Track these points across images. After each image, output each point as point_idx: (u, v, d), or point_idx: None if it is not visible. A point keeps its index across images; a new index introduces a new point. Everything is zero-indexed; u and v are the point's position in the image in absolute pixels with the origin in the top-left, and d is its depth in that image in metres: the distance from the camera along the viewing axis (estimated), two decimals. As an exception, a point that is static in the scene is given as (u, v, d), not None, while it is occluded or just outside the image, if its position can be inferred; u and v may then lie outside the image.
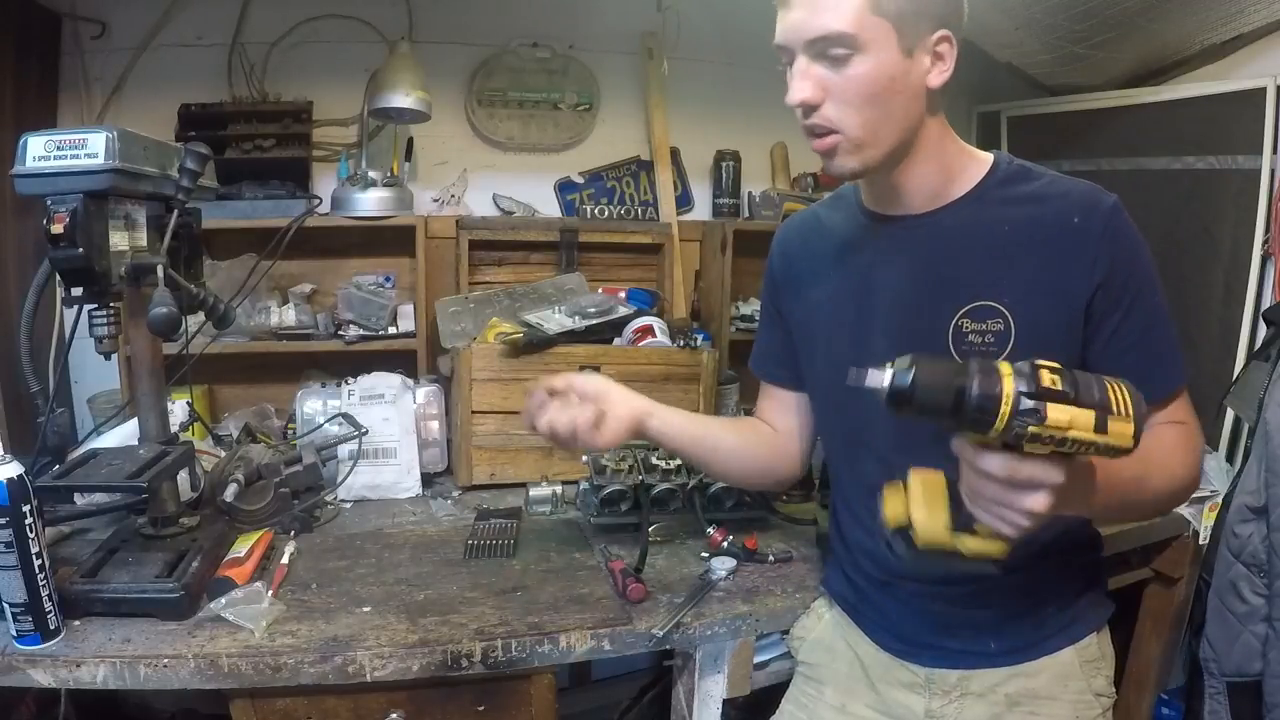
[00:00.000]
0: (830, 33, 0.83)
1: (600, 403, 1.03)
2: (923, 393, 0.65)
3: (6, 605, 0.97)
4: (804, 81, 0.86)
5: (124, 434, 1.40)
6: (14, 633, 0.97)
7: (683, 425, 1.10)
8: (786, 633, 1.20)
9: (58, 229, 0.96)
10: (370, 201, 1.83)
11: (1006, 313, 0.89)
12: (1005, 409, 0.62)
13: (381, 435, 1.59)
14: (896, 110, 0.87)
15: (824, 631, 1.13)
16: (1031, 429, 0.62)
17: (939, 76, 0.87)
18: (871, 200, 1.00)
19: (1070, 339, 0.90)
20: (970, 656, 0.97)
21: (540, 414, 1.04)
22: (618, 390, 1.05)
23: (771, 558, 1.32)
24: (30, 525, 0.96)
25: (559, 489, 1.56)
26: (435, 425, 1.67)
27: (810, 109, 0.87)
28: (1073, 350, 0.90)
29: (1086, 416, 0.63)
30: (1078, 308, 0.88)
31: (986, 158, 0.96)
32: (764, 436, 1.17)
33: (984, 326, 0.90)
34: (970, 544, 0.74)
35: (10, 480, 0.94)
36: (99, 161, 0.98)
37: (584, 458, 1.50)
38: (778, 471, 1.18)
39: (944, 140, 0.94)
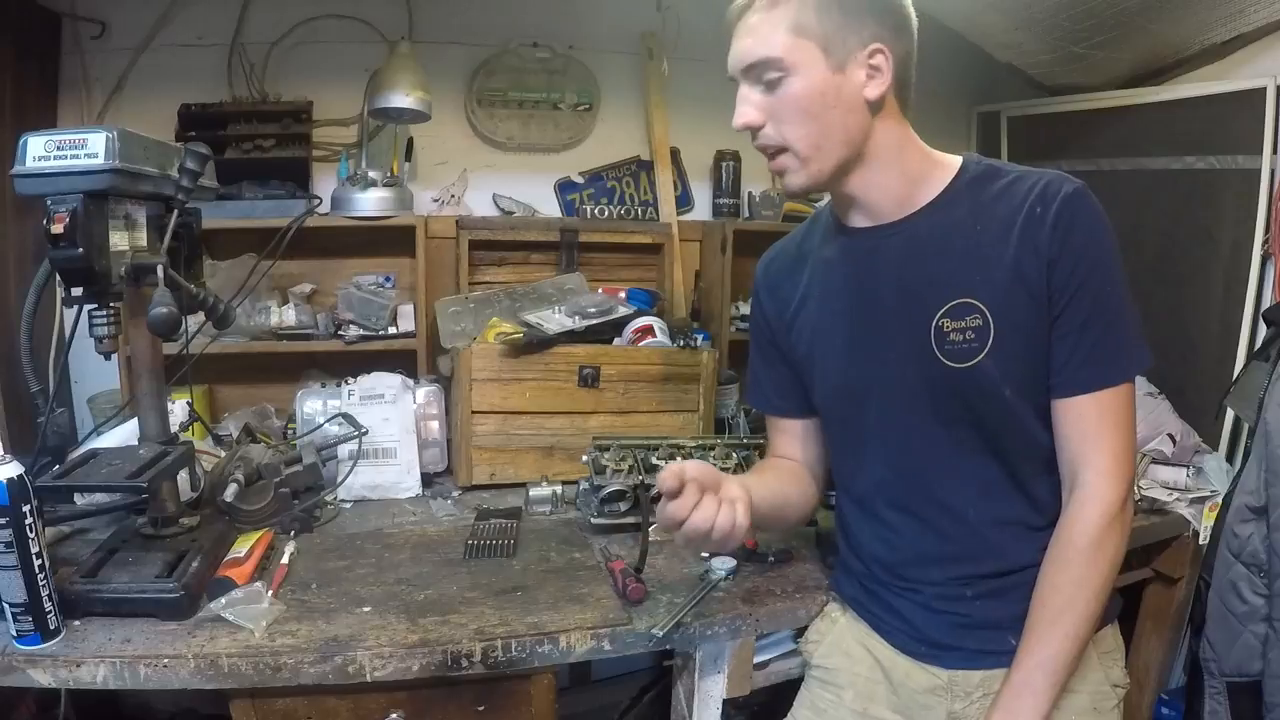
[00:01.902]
0: (760, 59, 0.90)
1: (716, 489, 0.94)
2: None
3: (6, 605, 0.97)
4: (745, 106, 0.93)
5: (124, 434, 1.40)
6: (14, 633, 0.97)
7: (765, 494, 1.05)
8: (798, 636, 1.20)
9: (58, 229, 0.96)
10: (370, 201, 1.83)
11: (984, 308, 0.91)
12: None
13: (381, 435, 1.59)
14: (835, 123, 0.91)
15: (839, 635, 1.13)
16: None
17: (876, 88, 0.91)
18: (844, 216, 1.03)
19: (1041, 329, 0.91)
20: (991, 656, 0.97)
21: (690, 516, 0.90)
22: (720, 474, 0.96)
23: (771, 558, 1.32)
24: (30, 525, 0.96)
25: (559, 489, 1.56)
26: (435, 425, 1.67)
27: (755, 130, 0.94)
28: (1047, 341, 0.91)
29: None
30: (1041, 295, 0.90)
31: (954, 161, 0.98)
32: (798, 475, 1.17)
33: (963, 324, 0.92)
34: None
35: (10, 480, 0.94)
36: (99, 161, 0.98)
37: (584, 457, 1.50)
38: (812, 505, 1.19)
39: (903, 148, 0.96)
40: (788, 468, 1.18)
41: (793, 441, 1.18)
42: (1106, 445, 0.91)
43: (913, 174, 0.96)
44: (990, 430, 0.95)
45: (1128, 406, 0.92)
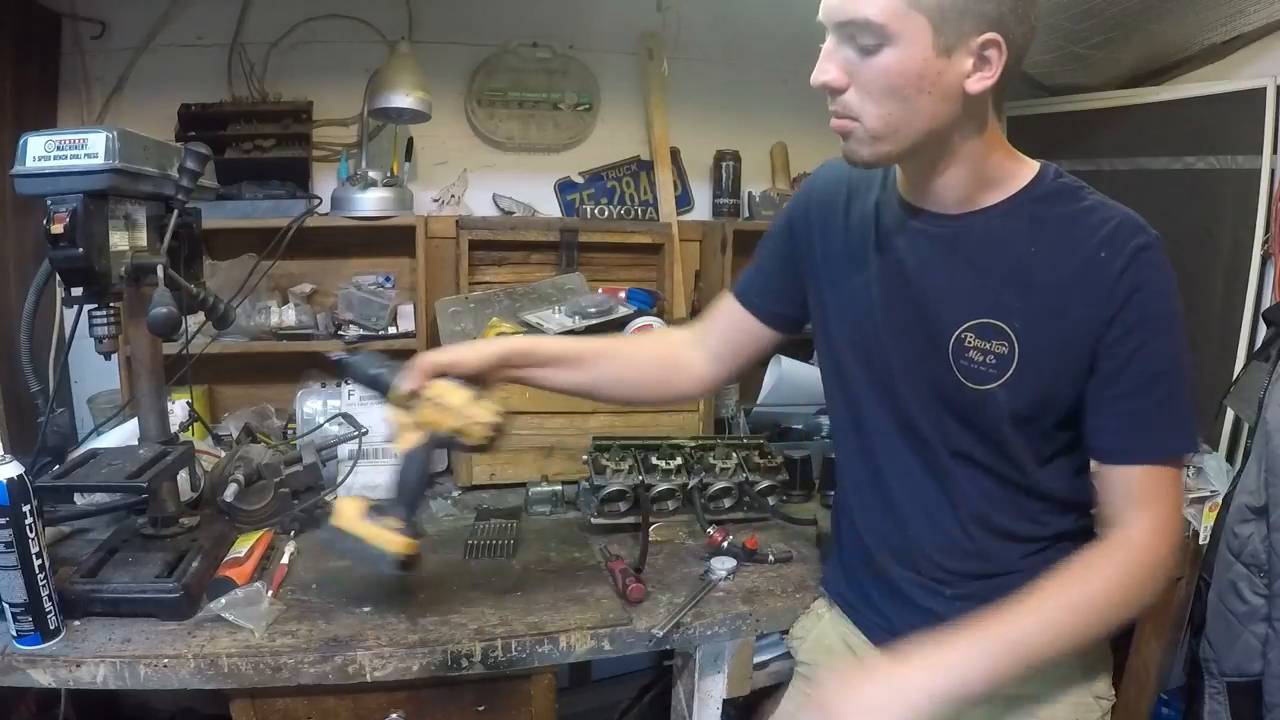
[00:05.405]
0: (860, 19, 0.78)
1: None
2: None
3: (6, 605, 0.97)
4: (828, 63, 0.83)
5: (124, 434, 1.40)
6: (14, 633, 0.97)
7: (561, 339, 1.05)
8: (786, 633, 1.20)
9: (58, 229, 0.96)
10: (370, 201, 1.83)
11: (1013, 336, 0.86)
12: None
13: (381, 435, 1.59)
14: (923, 109, 0.81)
15: (823, 632, 1.13)
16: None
17: (980, 82, 0.80)
18: (905, 188, 0.95)
19: (1071, 378, 0.86)
20: None
21: None
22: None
23: (771, 558, 1.32)
24: (30, 525, 0.96)
25: (559, 489, 1.56)
26: (435, 425, 1.67)
27: (834, 92, 0.83)
28: (1070, 391, 0.87)
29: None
30: (1083, 345, 0.84)
31: (1031, 168, 0.90)
32: (665, 344, 1.12)
33: (988, 346, 0.87)
34: (371, 532, 0.98)
35: (10, 480, 0.94)
36: (99, 161, 0.98)
37: (584, 457, 1.50)
38: (674, 384, 1.14)
39: (990, 150, 0.87)
40: (655, 337, 1.15)
41: (719, 329, 1.13)
42: (1158, 511, 0.86)
43: (986, 176, 0.88)
44: (981, 449, 0.93)
45: (1178, 477, 0.88)
